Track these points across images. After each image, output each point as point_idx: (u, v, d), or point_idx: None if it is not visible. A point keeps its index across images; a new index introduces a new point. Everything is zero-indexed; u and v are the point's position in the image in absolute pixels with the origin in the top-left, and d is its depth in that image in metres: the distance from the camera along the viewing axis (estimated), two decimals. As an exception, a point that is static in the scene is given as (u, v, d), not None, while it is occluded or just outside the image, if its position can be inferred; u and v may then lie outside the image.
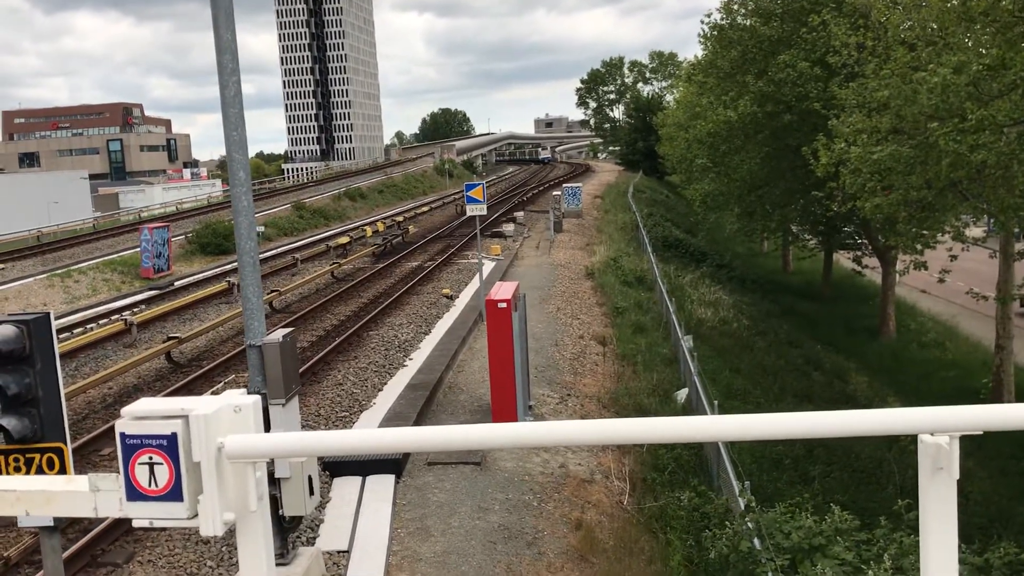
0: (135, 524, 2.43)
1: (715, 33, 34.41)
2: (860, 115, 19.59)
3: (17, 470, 5.51)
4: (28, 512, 2.43)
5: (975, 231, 23.94)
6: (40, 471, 5.50)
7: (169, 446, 2.32)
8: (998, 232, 24.15)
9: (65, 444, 5.54)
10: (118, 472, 2.43)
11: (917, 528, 7.21)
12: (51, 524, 5.56)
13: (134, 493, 2.38)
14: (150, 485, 2.35)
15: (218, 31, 7.95)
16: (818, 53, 26.11)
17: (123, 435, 2.40)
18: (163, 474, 2.34)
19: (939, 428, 2.19)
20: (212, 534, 2.29)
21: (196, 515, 2.34)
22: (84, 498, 2.42)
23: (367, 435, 2.28)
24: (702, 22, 35.24)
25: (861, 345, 30.72)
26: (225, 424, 2.32)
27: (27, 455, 5.45)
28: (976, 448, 19.94)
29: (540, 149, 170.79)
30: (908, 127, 18.15)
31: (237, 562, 8.73)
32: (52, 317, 5.61)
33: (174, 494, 2.34)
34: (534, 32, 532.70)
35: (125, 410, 2.46)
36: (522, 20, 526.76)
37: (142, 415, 2.41)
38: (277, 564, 8.47)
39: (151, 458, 2.34)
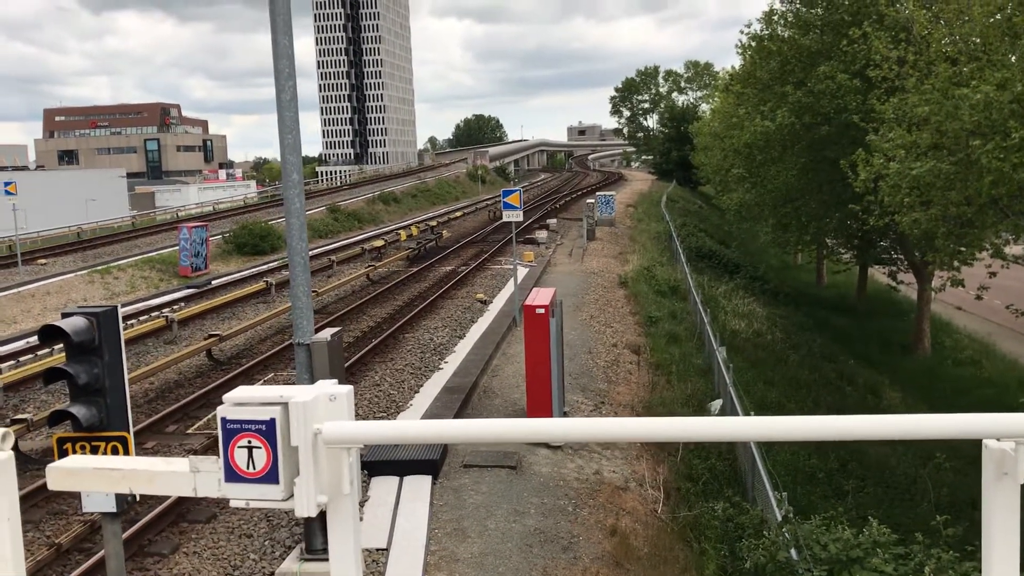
0: (232, 504, 2.57)
1: (754, 44, 34.38)
2: (900, 130, 19.47)
3: (83, 457, 5.68)
4: (131, 489, 2.58)
5: (1015, 248, 23.64)
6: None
7: (268, 431, 2.46)
8: (1038, 250, 23.85)
9: (128, 433, 5.72)
10: (218, 455, 2.58)
11: (955, 545, 7.20)
12: (114, 510, 5.73)
13: (232, 475, 2.52)
14: (248, 468, 2.49)
15: (276, 36, 8.13)
16: (858, 65, 25.97)
17: (224, 420, 2.55)
18: (261, 457, 2.48)
19: (1005, 433, 2.28)
20: (307, 515, 2.43)
21: (290, 497, 2.47)
22: (185, 478, 2.55)
23: (455, 425, 2.40)
24: (741, 32, 35.27)
25: (895, 361, 30.43)
26: (321, 411, 2.45)
27: (93, 443, 5.64)
28: None
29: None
30: (949, 143, 18.03)
31: (279, 556, 8.86)
32: (119, 311, 5.80)
33: (271, 476, 2.48)
34: (572, 39, 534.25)
35: (226, 396, 2.61)
36: (560, 27, 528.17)
37: (242, 401, 2.55)
38: (317, 559, 8.65)
39: (250, 442, 2.48)
